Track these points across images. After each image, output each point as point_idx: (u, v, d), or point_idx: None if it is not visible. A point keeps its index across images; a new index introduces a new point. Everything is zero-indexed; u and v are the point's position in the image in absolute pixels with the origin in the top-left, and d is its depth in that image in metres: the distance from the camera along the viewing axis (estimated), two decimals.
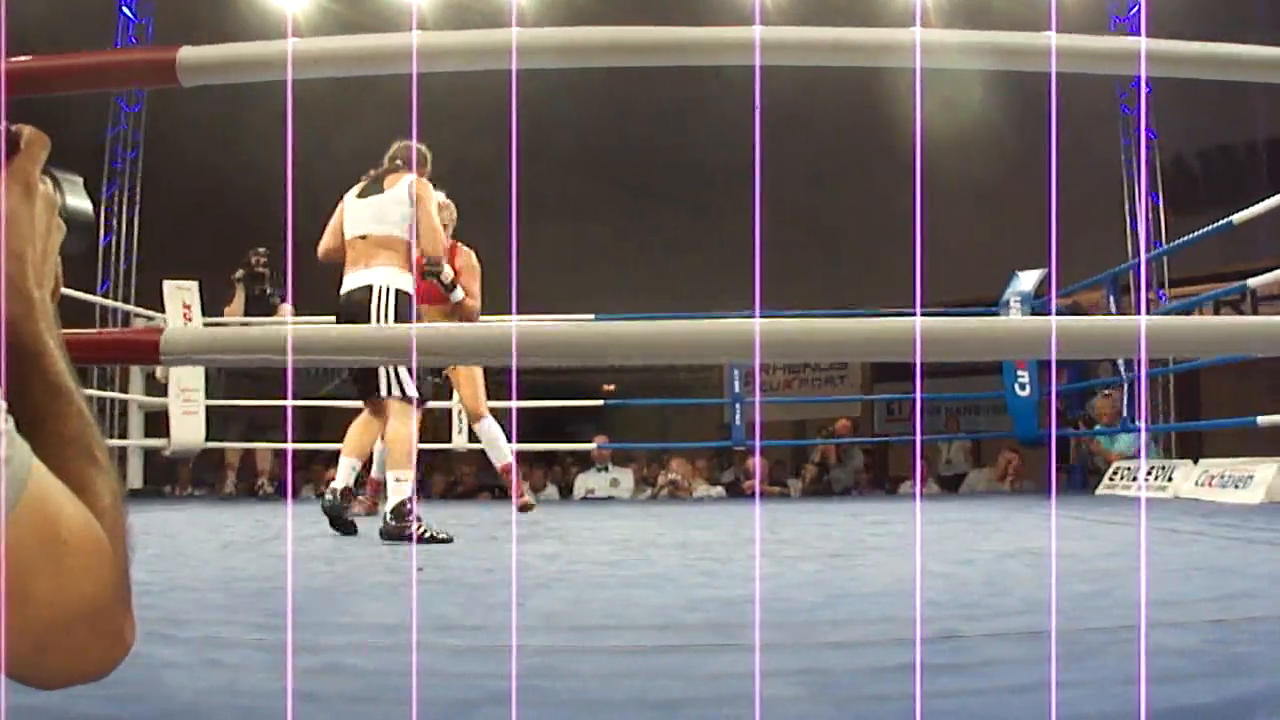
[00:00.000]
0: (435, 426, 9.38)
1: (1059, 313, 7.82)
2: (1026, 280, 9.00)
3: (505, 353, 1.60)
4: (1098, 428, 9.06)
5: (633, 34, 1.78)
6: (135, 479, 9.32)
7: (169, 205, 11.08)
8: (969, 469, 11.37)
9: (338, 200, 4.93)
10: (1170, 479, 7.12)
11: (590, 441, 10.36)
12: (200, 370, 8.74)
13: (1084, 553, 3.54)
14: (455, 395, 8.78)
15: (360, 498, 6.18)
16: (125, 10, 10.89)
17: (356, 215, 4.82)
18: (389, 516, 4.41)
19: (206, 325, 8.90)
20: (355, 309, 4.66)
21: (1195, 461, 7.18)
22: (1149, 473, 7.49)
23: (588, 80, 9.93)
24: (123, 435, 9.34)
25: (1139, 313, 7.63)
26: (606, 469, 10.24)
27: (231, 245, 9.57)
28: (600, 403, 11.12)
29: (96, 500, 0.77)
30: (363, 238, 4.76)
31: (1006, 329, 2.26)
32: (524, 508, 5.87)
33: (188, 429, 8.90)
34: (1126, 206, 11.00)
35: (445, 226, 5.64)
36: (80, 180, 0.92)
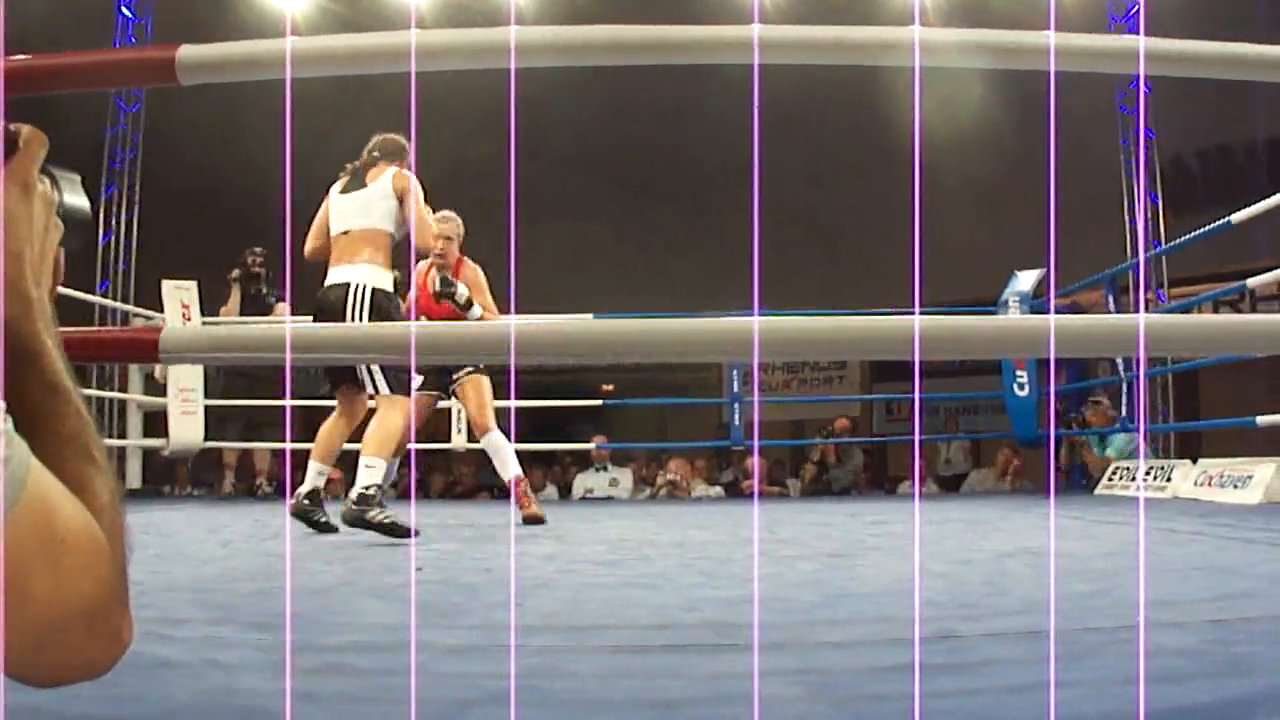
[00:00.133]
0: (434, 426, 9.38)
1: (1058, 312, 7.82)
2: (1025, 280, 9.00)
3: (504, 351, 1.60)
4: (1089, 436, 9.07)
5: (631, 33, 1.78)
6: (134, 479, 9.32)
7: (168, 205, 11.07)
8: (968, 469, 11.37)
9: (323, 197, 4.88)
10: (1169, 479, 7.13)
11: (589, 441, 10.36)
12: (199, 370, 8.74)
13: (1083, 553, 3.54)
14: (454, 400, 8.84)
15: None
16: (124, 10, 10.88)
17: (340, 211, 4.74)
18: (353, 500, 4.32)
19: (205, 325, 8.90)
20: (330, 306, 4.56)
21: (1194, 461, 7.17)
22: (1148, 473, 7.49)
23: (586, 79, 9.92)
24: (121, 435, 9.33)
25: (1138, 313, 7.64)
26: (605, 469, 10.24)
27: (230, 245, 9.57)
28: (599, 402, 11.12)
29: (94, 499, 0.77)
30: (346, 233, 4.69)
31: (1005, 327, 2.26)
32: (532, 519, 5.62)
33: (186, 429, 8.89)
34: (1125, 206, 11.00)
35: (451, 239, 5.59)
36: (78, 178, 0.92)
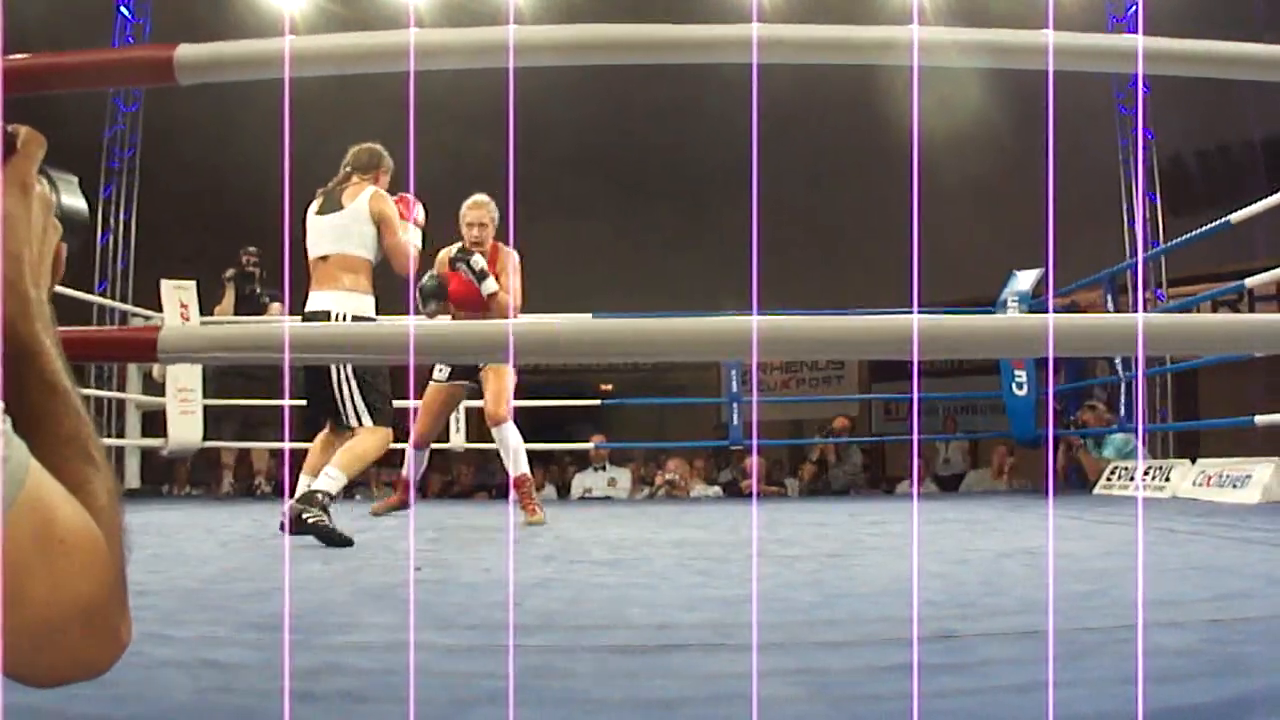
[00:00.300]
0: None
1: (1057, 312, 7.82)
2: (1024, 280, 9.01)
3: (503, 350, 1.60)
4: (1085, 440, 9.07)
5: (630, 32, 1.77)
6: (133, 478, 9.32)
7: (166, 205, 11.07)
8: (967, 469, 11.38)
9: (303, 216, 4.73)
10: (1168, 479, 7.13)
11: (588, 441, 10.36)
12: (198, 370, 8.74)
13: (1081, 552, 3.55)
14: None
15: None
16: (123, 9, 10.88)
17: (317, 234, 4.60)
18: (298, 499, 4.22)
19: (202, 324, 8.90)
20: None
21: (1193, 461, 7.18)
22: (1146, 472, 7.50)
23: (585, 78, 9.91)
24: (120, 435, 9.33)
25: (1137, 312, 7.64)
26: (604, 468, 10.24)
27: (229, 245, 9.58)
28: (598, 402, 11.13)
29: (93, 500, 0.77)
30: (324, 258, 4.55)
31: (1004, 327, 2.26)
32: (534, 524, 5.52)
33: (185, 429, 8.89)
34: (1124, 206, 11.00)
35: (485, 225, 5.49)
36: (76, 180, 0.92)
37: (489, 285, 5.33)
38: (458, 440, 8.97)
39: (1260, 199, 6.16)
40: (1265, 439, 6.66)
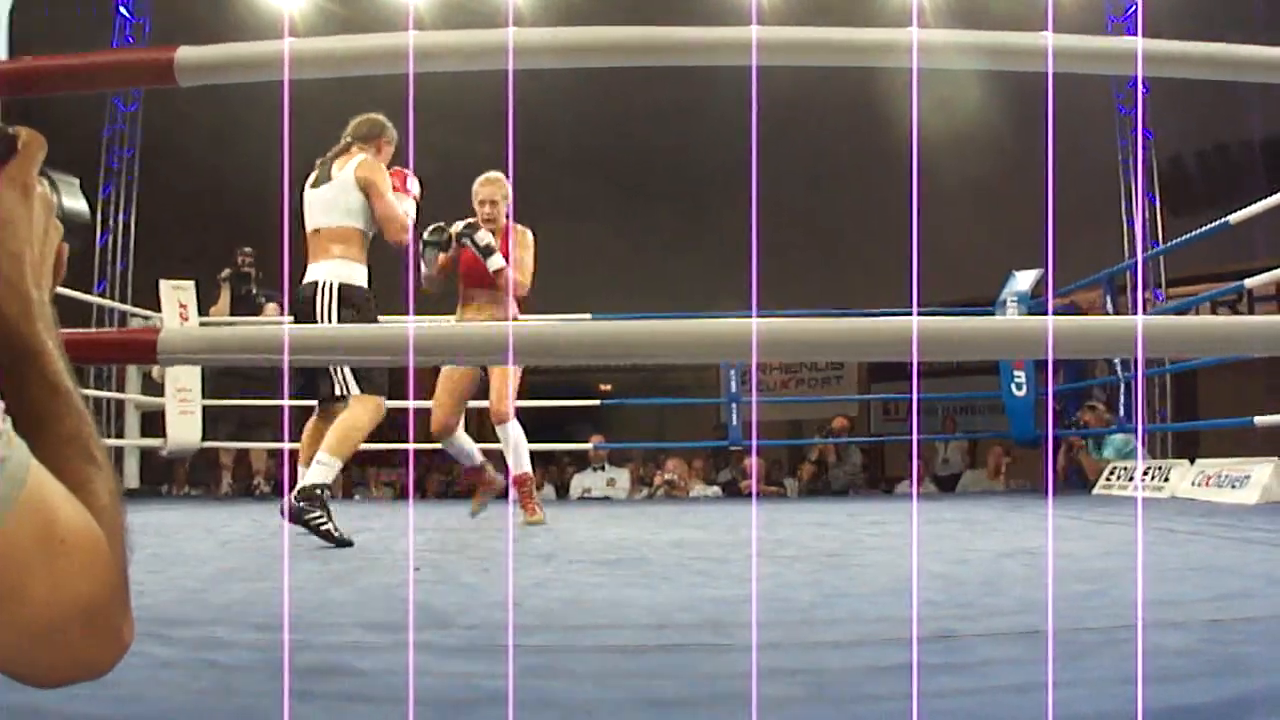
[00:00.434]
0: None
1: (1056, 313, 7.83)
2: (1023, 280, 9.00)
3: (503, 351, 1.60)
4: (1085, 442, 9.07)
5: (630, 34, 1.78)
6: (132, 479, 9.32)
7: (165, 205, 11.07)
8: (965, 469, 11.38)
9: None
10: (1167, 479, 7.13)
11: (587, 441, 10.36)
12: (197, 370, 8.74)
13: (1080, 552, 3.55)
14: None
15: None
16: (122, 10, 10.88)
17: (311, 207, 4.53)
18: (297, 495, 4.14)
19: (201, 325, 8.91)
20: (303, 307, 4.42)
21: (1192, 462, 7.18)
22: (1146, 473, 7.50)
23: (585, 80, 9.92)
24: (119, 435, 9.33)
25: (1136, 313, 7.64)
26: (603, 468, 10.24)
27: (228, 245, 9.58)
28: (597, 402, 11.12)
29: (95, 500, 0.77)
30: (316, 231, 4.49)
31: (1004, 328, 2.26)
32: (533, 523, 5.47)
33: (184, 429, 8.90)
34: (1123, 206, 11.01)
35: (496, 202, 5.38)
36: (76, 182, 0.93)
37: (495, 261, 5.23)
38: None
39: (1259, 199, 6.16)
40: (1264, 439, 6.67)
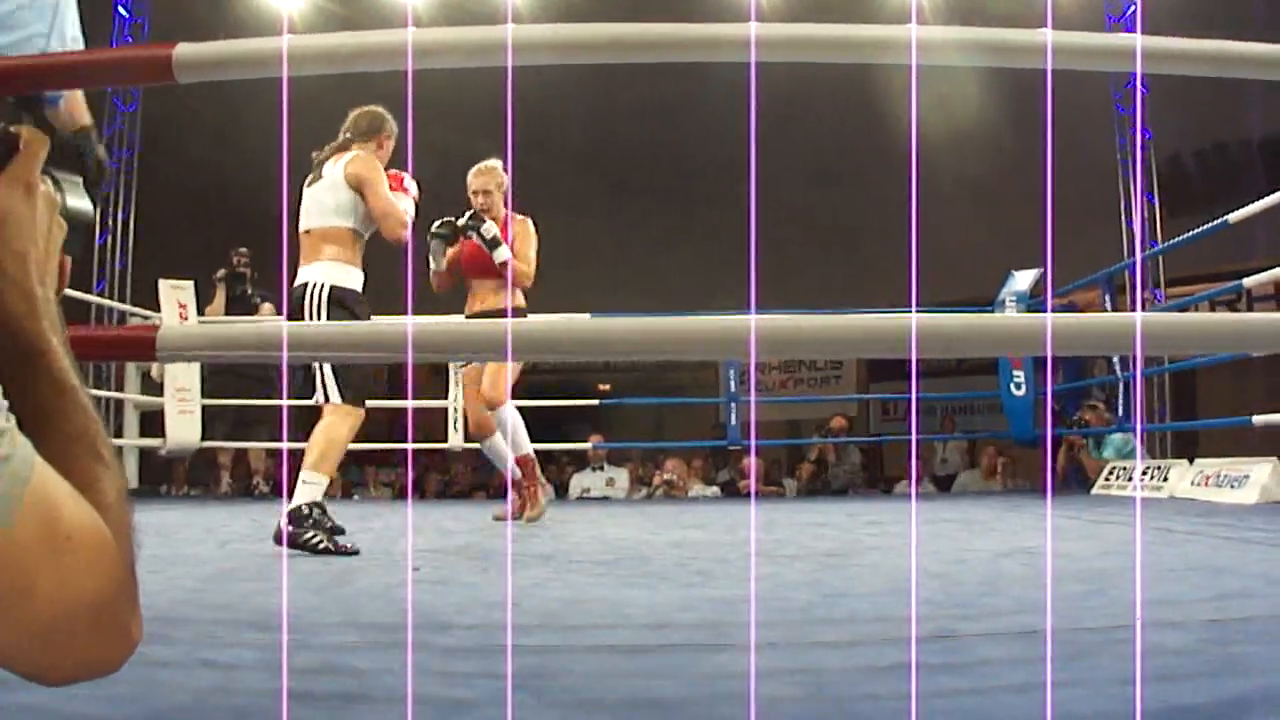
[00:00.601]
0: (431, 426, 9.37)
1: (1055, 312, 7.83)
2: (1022, 280, 9.00)
3: (501, 350, 1.60)
4: (1086, 441, 9.07)
5: (628, 31, 1.77)
6: (131, 478, 9.29)
7: (164, 204, 11.06)
8: (964, 469, 11.39)
9: None
10: (1166, 479, 7.13)
11: (586, 441, 10.35)
12: (196, 369, 8.73)
13: (1079, 552, 3.55)
14: (452, 395, 8.83)
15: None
16: (121, 10, 10.87)
17: (304, 207, 4.38)
18: (288, 518, 3.89)
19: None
20: (293, 308, 4.28)
21: (1191, 461, 7.18)
22: (1145, 472, 7.49)
23: (583, 76, 9.92)
24: (118, 434, 9.31)
25: (1135, 312, 7.64)
26: (602, 468, 10.23)
27: (227, 245, 9.58)
28: (596, 402, 11.12)
29: (101, 497, 0.77)
30: (307, 232, 4.34)
31: (1002, 326, 2.26)
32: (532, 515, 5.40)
33: (183, 428, 8.89)
34: (1122, 206, 11.01)
35: (490, 192, 5.31)
36: (80, 180, 0.93)
37: (501, 253, 5.16)
38: (455, 440, 8.96)
39: (1258, 199, 6.16)
40: (1263, 439, 6.66)
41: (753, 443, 9.97)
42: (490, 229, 5.16)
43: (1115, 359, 8.05)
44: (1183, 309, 8.88)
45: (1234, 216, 6.44)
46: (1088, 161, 10.71)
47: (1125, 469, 7.90)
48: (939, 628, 2.06)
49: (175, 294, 8.96)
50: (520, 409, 5.58)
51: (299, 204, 4.45)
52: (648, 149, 13.36)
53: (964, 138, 10.78)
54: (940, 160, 10.35)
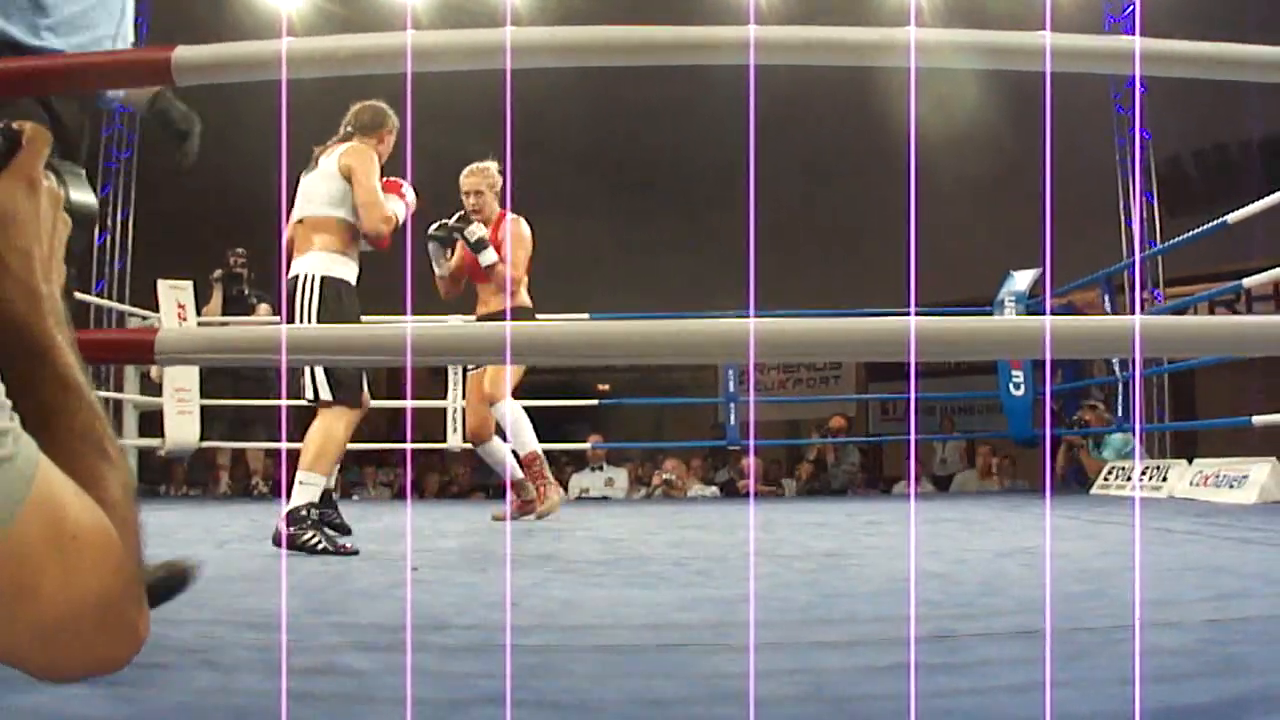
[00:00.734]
0: (430, 427, 9.37)
1: (1054, 313, 7.84)
2: (1021, 280, 9.01)
3: (500, 351, 1.60)
4: (1086, 441, 9.07)
5: (627, 33, 1.77)
6: None
7: (163, 205, 11.06)
8: (963, 469, 11.39)
9: None
10: (1165, 479, 7.13)
11: (585, 441, 10.35)
12: (195, 370, 8.73)
13: (1078, 553, 3.55)
14: (451, 395, 8.83)
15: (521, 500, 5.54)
16: None
17: (298, 197, 4.38)
18: (286, 520, 3.87)
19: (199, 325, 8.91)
20: (289, 301, 4.25)
21: (1190, 461, 7.18)
22: (1144, 473, 7.50)
23: (582, 78, 9.91)
24: (117, 435, 9.31)
25: (1134, 313, 7.63)
26: (601, 468, 10.23)
27: (226, 245, 9.58)
28: (595, 402, 11.12)
29: (107, 495, 0.77)
30: (300, 222, 4.31)
31: (1001, 328, 2.26)
32: (533, 512, 5.33)
33: (182, 429, 8.89)
34: (1121, 206, 11.00)
35: (481, 193, 5.24)
36: (83, 172, 0.93)
37: (487, 256, 5.11)
38: (455, 440, 8.96)
39: (1257, 199, 6.16)
40: (1262, 439, 6.66)
41: (751, 443, 9.97)
42: (475, 231, 5.11)
43: (1114, 359, 8.05)
44: (1182, 309, 8.89)
45: (1233, 217, 6.44)
46: (1087, 162, 10.70)
47: (1124, 469, 7.91)
48: (938, 628, 2.06)
49: (174, 294, 8.96)
50: (512, 396, 5.50)
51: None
52: (648, 150, 13.36)
53: (963, 138, 10.77)
54: (940, 161, 10.34)
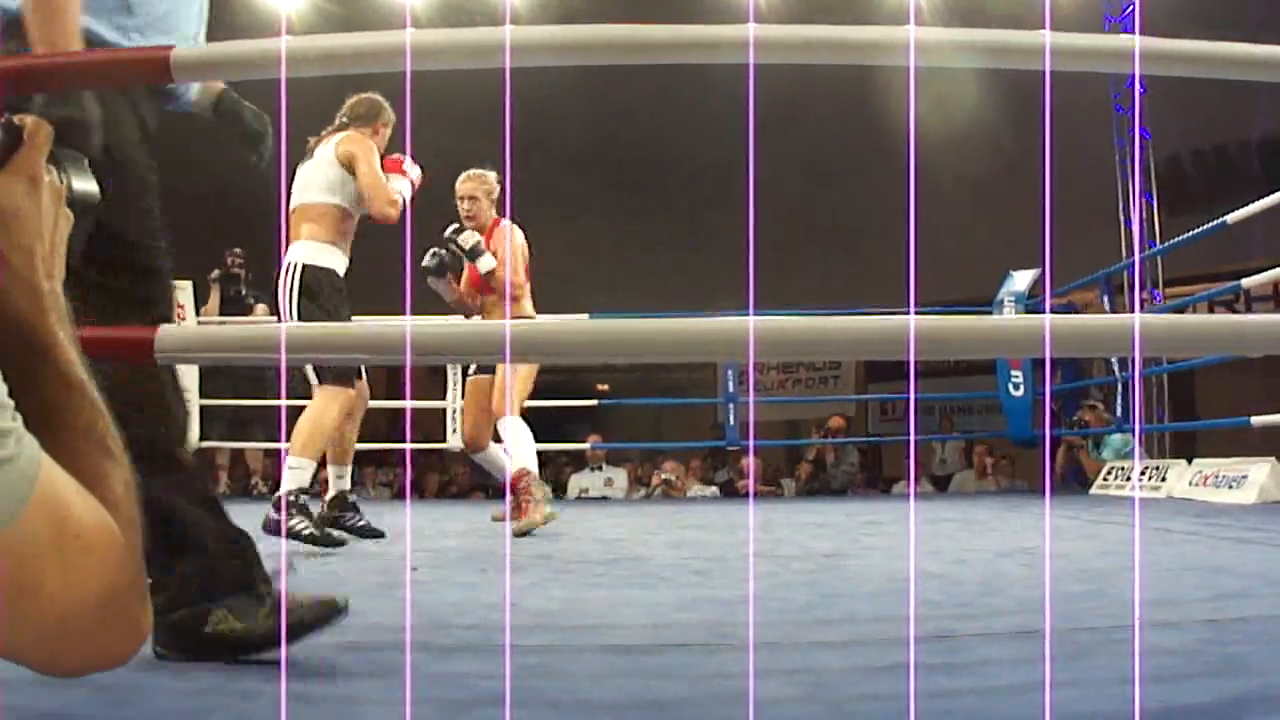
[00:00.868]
0: (429, 427, 9.37)
1: (1053, 312, 7.83)
2: (1021, 280, 9.00)
3: (500, 351, 1.60)
4: (1085, 441, 9.07)
5: (626, 32, 1.77)
6: None
7: (163, 205, 11.05)
8: (962, 469, 11.39)
9: None
10: (1164, 479, 7.13)
11: (584, 441, 10.35)
12: (194, 370, 8.72)
13: (1078, 553, 3.55)
14: (450, 395, 8.82)
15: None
16: None
17: (294, 186, 4.36)
18: (272, 507, 3.91)
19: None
20: (278, 291, 4.25)
21: (1189, 462, 7.18)
22: (1143, 473, 7.49)
23: (581, 76, 9.90)
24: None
25: (1133, 312, 7.64)
26: (600, 468, 10.23)
27: (225, 245, 9.58)
28: (594, 402, 11.12)
29: (109, 493, 0.77)
30: (293, 211, 4.29)
31: (1001, 327, 2.25)
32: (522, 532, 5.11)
33: None
34: (1120, 206, 11.00)
35: (477, 199, 5.16)
36: (84, 159, 0.92)
37: (485, 262, 5.04)
38: (454, 440, 8.95)
39: (1257, 199, 6.16)
40: (1262, 439, 6.66)
41: (751, 443, 9.97)
42: (469, 239, 5.04)
43: (1114, 359, 8.05)
44: (1181, 309, 8.88)
45: (1233, 217, 6.44)
46: (1087, 162, 10.70)
47: (1124, 469, 7.90)
48: (938, 628, 2.06)
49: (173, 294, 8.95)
50: (520, 409, 5.47)
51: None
52: (648, 149, 13.35)
53: (963, 138, 10.77)
54: (939, 160, 10.34)
